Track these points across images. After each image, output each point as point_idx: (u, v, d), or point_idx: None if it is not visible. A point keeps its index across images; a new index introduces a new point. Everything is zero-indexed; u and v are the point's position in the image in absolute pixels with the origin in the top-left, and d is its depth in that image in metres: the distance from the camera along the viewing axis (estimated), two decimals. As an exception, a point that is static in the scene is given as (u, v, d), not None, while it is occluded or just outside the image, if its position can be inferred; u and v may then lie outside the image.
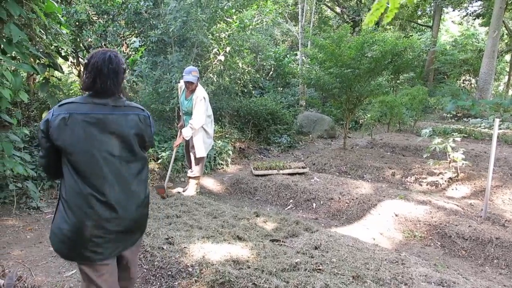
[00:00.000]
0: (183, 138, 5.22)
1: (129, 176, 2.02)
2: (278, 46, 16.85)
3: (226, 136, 8.37)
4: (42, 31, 4.11)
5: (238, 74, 8.77)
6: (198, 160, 5.36)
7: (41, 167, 2.04)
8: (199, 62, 7.44)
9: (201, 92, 5.14)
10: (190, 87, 5.15)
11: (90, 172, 1.91)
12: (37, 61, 4.22)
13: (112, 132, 1.96)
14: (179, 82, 5.53)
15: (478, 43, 19.44)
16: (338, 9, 21.64)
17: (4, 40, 3.69)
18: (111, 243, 1.98)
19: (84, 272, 2.02)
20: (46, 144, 1.93)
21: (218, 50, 7.49)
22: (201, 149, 5.27)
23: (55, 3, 4.15)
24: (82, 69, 10.23)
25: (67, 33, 4.83)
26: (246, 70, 9.06)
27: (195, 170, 5.41)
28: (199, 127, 5.16)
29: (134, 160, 2.05)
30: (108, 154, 1.95)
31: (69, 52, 6.12)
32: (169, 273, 3.03)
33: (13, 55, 3.88)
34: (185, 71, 5.11)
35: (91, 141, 1.92)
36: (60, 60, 5.53)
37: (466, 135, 8.98)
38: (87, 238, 1.91)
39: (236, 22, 7.59)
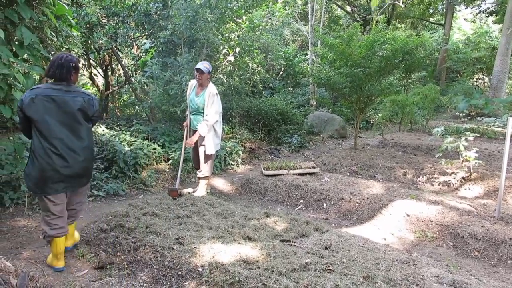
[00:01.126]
0: (199, 135, 5.18)
1: (76, 137, 3.00)
2: (288, 46, 16.85)
3: (237, 136, 8.38)
4: (53, 34, 4.15)
5: (248, 74, 8.78)
6: (207, 158, 5.34)
7: (21, 131, 3.05)
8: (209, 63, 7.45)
9: (213, 89, 5.15)
10: (200, 79, 5.14)
11: (48, 134, 2.88)
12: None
13: (63, 108, 2.93)
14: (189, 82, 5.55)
15: (492, 41, 19.06)
16: (348, 8, 21.46)
17: (16, 42, 3.75)
18: (63, 182, 3.03)
19: (43, 202, 3.06)
20: (21, 116, 2.89)
21: (228, 50, 7.49)
22: (210, 146, 5.26)
23: (66, 6, 4.20)
24: (92, 71, 10.36)
25: (77, 35, 4.87)
26: (256, 70, 9.06)
27: (204, 170, 5.40)
28: (214, 122, 5.16)
29: (79, 127, 3.03)
30: (61, 122, 2.93)
31: (80, 54, 6.18)
32: (179, 273, 3.04)
33: (25, 58, 3.93)
34: (199, 63, 5.19)
35: (49, 113, 2.88)
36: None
37: (479, 135, 8.84)
38: (46, 178, 2.94)
39: (245, 23, 7.59)
